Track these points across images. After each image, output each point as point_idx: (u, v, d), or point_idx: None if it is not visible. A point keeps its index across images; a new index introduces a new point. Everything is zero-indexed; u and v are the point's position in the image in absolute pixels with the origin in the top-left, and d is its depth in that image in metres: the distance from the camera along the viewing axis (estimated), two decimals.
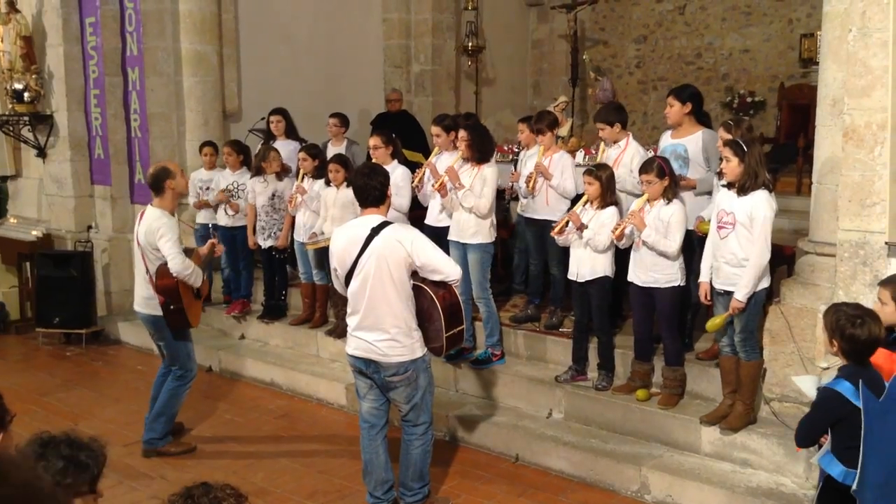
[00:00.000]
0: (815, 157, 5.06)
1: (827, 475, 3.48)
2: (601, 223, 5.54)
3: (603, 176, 5.58)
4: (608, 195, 5.61)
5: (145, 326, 5.83)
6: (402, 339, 4.44)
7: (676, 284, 5.33)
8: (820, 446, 3.51)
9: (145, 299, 5.61)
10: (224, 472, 5.33)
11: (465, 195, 5.99)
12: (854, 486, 3.31)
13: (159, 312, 5.54)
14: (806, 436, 3.55)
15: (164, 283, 5.42)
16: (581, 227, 5.57)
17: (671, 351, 5.44)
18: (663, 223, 5.25)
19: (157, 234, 5.39)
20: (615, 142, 6.11)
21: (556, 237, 5.70)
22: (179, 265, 5.39)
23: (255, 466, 5.57)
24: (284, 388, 7.07)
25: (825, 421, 3.43)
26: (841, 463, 3.38)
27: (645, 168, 5.31)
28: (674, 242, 5.23)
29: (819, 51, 5.43)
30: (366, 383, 4.63)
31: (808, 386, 3.66)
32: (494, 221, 6.13)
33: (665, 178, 5.24)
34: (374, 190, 4.50)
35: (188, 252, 5.66)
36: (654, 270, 5.32)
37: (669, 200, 5.26)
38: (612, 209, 5.59)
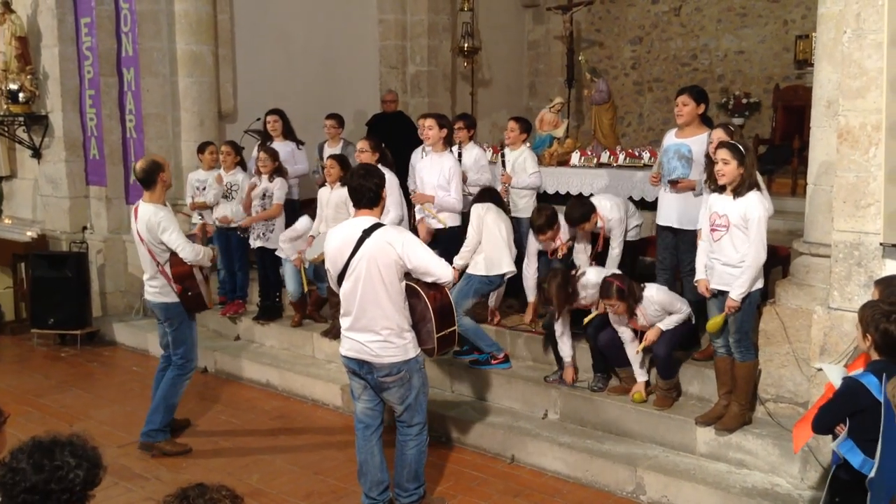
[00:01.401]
0: (809, 158, 5.08)
1: (837, 465, 3.54)
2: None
3: (559, 282, 5.57)
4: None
5: (156, 314, 5.88)
6: (394, 340, 4.43)
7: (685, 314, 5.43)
8: (835, 436, 3.55)
9: (156, 288, 5.69)
10: (220, 473, 5.33)
11: (458, 257, 6.04)
12: (871, 475, 3.36)
13: (170, 299, 5.65)
14: (823, 423, 3.59)
15: (180, 270, 5.57)
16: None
17: (664, 365, 5.42)
18: (658, 310, 5.34)
19: (159, 228, 5.48)
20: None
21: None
22: (191, 253, 5.53)
23: (250, 467, 5.56)
24: (280, 389, 7.07)
25: (844, 410, 3.48)
26: (862, 453, 3.42)
27: (604, 294, 5.33)
28: (680, 311, 5.35)
29: (814, 52, 5.43)
30: (360, 384, 4.62)
31: (835, 375, 3.72)
32: (495, 256, 6.03)
33: (625, 298, 5.28)
34: (368, 191, 4.48)
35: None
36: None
37: (635, 306, 5.33)
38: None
